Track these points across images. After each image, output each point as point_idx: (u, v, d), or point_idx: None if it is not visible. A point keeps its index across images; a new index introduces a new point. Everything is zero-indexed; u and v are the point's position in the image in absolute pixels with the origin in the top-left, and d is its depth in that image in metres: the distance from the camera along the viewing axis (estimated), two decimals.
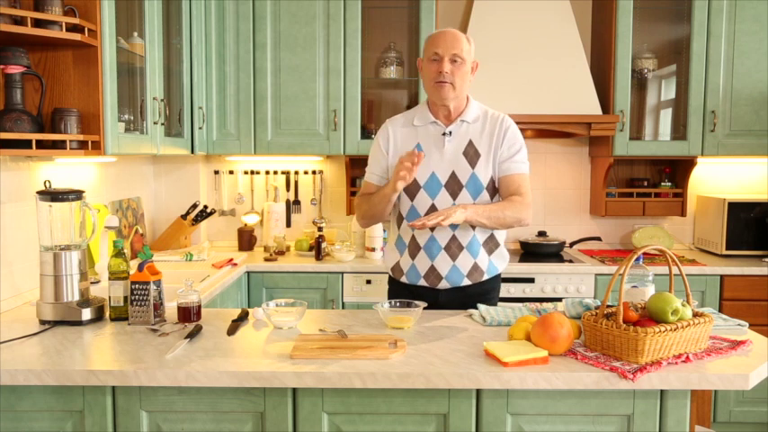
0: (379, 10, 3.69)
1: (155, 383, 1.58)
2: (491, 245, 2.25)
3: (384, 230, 3.44)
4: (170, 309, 2.11)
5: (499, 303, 2.27)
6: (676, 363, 1.61)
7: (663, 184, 3.75)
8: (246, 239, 3.70)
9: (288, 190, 3.85)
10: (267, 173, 3.84)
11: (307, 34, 3.44)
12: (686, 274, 1.77)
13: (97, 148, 2.23)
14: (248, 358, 1.67)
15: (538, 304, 2.18)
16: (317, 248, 3.40)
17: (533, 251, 3.59)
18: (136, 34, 2.59)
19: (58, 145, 2.12)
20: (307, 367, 1.58)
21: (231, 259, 3.25)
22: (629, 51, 3.46)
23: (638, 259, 1.89)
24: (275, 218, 3.72)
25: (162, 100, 2.77)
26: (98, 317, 2.02)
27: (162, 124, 2.78)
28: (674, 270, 1.76)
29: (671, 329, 1.60)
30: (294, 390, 1.64)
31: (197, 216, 3.47)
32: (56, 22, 2.06)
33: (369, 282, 3.28)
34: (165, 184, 3.67)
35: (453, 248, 2.19)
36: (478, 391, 1.63)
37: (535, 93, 3.45)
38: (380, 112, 3.78)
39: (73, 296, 2.01)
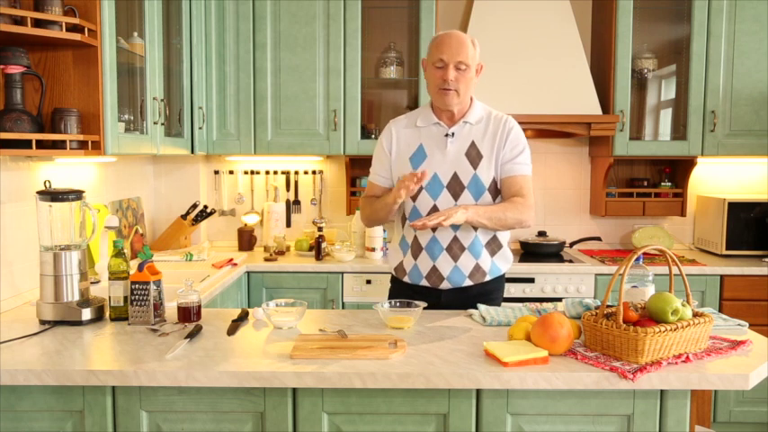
0: (379, 10, 3.69)
1: (155, 383, 1.58)
2: (494, 246, 2.25)
3: (384, 230, 3.45)
4: (170, 309, 2.11)
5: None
6: (676, 363, 1.61)
7: (663, 184, 3.75)
8: (246, 239, 3.70)
9: (288, 190, 3.85)
10: (267, 173, 3.84)
11: (307, 34, 3.44)
12: (686, 274, 1.77)
13: (97, 148, 2.23)
14: (248, 358, 1.67)
15: (538, 304, 2.18)
16: (317, 248, 3.40)
17: (533, 251, 3.59)
18: (136, 34, 2.59)
19: (58, 145, 2.12)
20: (307, 367, 1.58)
21: (231, 259, 3.25)
22: (629, 51, 3.46)
23: (638, 259, 1.89)
24: (275, 218, 3.72)
25: (162, 100, 2.77)
26: (98, 317, 2.02)
27: (162, 124, 2.78)
28: (674, 270, 1.76)
29: (671, 329, 1.60)
30: (294, 390, 1.64)
31: (197, 216, 3.47)
32: (56, 22, 2.06)
33: (369, 282, 3.28)
34: (165, 184, 3.67)
35: (455, 249, 2.19)
36: (478, 391, 1.63)
37: (535, 93, 3.45)
38: (380, 112, 3.79)
39: (73, 296, 2.01)
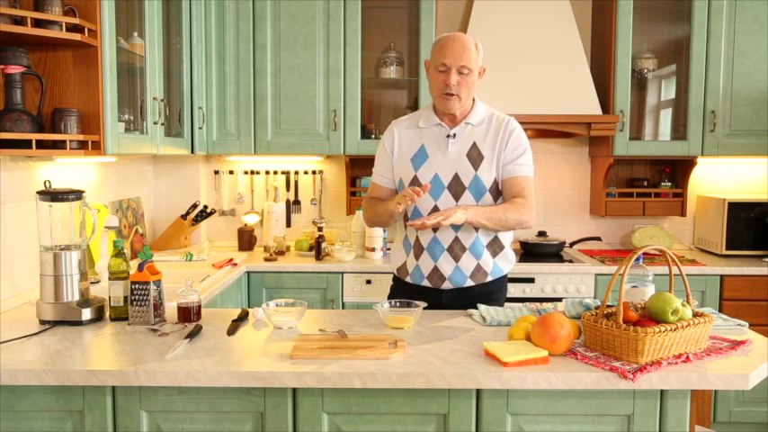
0: (379, 10, 3.69)
1: (155, 383, 1.58)
2: (495, 247, 2.25)
3: (384, 230, 3.45)
4: (170, 309, 2.11)
5: None
6: (676, 363, 1.61)
7: (663, 184, 3.75)
8: (246, 239, 3.70)
9: (288, 190, 3.85)
10: (267, 173, 3.84)
11: (307, 34, 3.44)
12: (686, 274, 1.77)
13: (97, 148, 2.23)
14: (248, 358, 1.67)
15: (538, 304, 2.18)
16: (317, 248, 3.40)
17: (533, 251, 3.59)
18: (136, 34, 2.59)
19: (58, 145, 2.12)
20: (307, 367, 1.58)
21: (231, 259, 3.25)
22: (629, 51, 3.46)
23: (638, 259, 1.89)
24: (275, 218, 3.72)
25: (162, 100, 2.77)
26: (98, 317, 2.02)
27: (162, 124, 2.78)
28: (674, 270, 1.76)
29: (671, 329, 1.60)
30: (294, 390, 1.64)
31: (197, 216, 3.47)
32: (56, 22, 2.06)
33: (369, 282, 3.28)
34: (165, 184, 3.67)
35: (456, 250, 2.19)
36: (478, 391, 1.63)
37: (535, 93, 3.45)
38: (380, 112, 3.79)
39: (73, 296, 2.01)
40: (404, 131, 2.28)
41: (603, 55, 3.61)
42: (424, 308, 2.01)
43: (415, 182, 2.21)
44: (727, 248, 3.51)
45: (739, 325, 1.91)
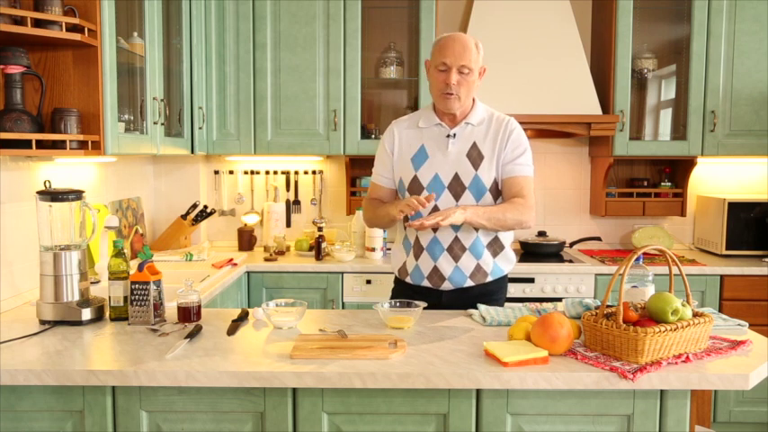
0: (379, 10, 3.69)
1: (155, 383, 1.58)
2: (495, 247, 2.25)
3: (384, 231, 3.44)
4: (170, 309, 2.11)
5: None
6: (676, 363, 1.61)
7: (663, 184, 3.75)
8: (246, 239, 3.70)
9: (288, 190, 3.85)
10: (267, 173, 3.84)
11: (307, 34, 3.44)
12: (686, 274, 1.77)
13: (97, 148, 2.23)
14: (248, 358, 1.67)
15: (538, 304, 2.18)
16: (317, 248, 3.40)
17: (533, 251, 3.59)
18: (136, 34, 2.59)
19: (58, 145, 2.12)
20: (306, 367, 1.58)
21: (231, 259, 3.25)
22: (629, 51, 3.46)
23: (638, 259, 1.89)
24: (275, 218, 3.72)
25: (162, 100, 2.77)
26: (98, 317, 2.02)
27: (162, 124, 2.78)
28: (674, 270, 1.76)
29: (671, 329, 1.60)
30: (294, 390, 1.64)
31: (197, 216, 3.47)
32: (56, 22, 2.06)
33: (369, 282, 3.28)
34: (165, 184, 3.67)
35: (456, 250, 2.19)
36: (478, 391, 1.63)
37: (535, 93, 3.45)
38: (380, 112, 3.79)
39: (73, 296, 2.01)
40: (404, 131, 2.28)
41: (603, 55, 3.61)
42: (424, 308, 2.01)
43: (415, 182, 2.21)
44: (727, 248, 3.51)
45: (739, 325, 1.91)
